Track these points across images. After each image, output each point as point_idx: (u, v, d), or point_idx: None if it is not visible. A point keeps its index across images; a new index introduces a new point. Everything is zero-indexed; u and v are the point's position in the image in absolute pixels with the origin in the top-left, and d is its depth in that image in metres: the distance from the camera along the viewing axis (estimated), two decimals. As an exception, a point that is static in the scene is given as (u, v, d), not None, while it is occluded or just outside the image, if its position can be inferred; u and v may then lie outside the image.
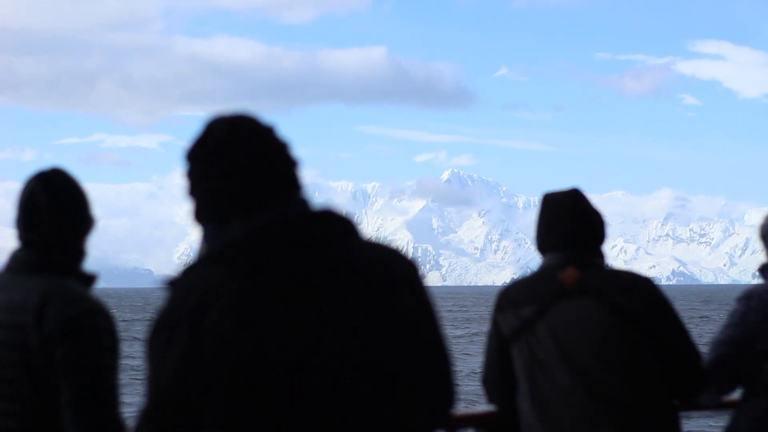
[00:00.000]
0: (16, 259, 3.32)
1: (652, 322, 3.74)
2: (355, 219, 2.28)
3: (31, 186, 3.32)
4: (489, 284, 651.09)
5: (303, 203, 2.26)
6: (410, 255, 2.29)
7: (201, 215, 2.26)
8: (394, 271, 2.24)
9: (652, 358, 3.74)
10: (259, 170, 2.22)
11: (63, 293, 3.19)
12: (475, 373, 34.37)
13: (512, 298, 3.91)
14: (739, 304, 3.97)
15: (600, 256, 3.92)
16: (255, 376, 2.10)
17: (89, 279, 3.34)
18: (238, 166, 2.22)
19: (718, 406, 4.14)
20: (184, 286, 2.18)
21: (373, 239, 2.31)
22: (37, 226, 3.29)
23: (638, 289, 3.77)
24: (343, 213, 2.28)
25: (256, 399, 2.11)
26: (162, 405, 2.15)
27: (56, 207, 3.30)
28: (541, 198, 4.00)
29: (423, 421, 2.25)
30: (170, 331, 2.15)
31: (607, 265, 3.92)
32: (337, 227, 2.25)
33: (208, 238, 2.25)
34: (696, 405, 4.03)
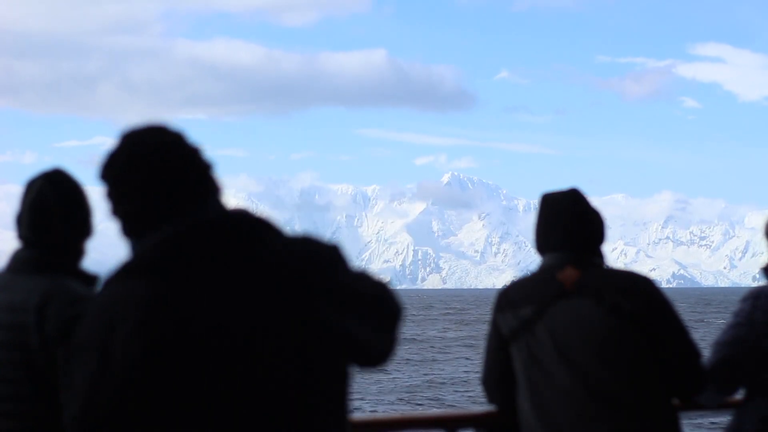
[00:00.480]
0: (17, 259, 3.32)
1: (651, 321, 3.74)
2: (271, 218, 2.27)
3: (38, 186, 3.33)
4: (489, 287, 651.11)
5: (218, 207, 2.26)
6: (334, 242, 2.28)
7: (124, 232, 2.27)
8: (314, 265, 2.20)
9: (651, 358, 3.74)
10: (168, 181, 2.22)
11: (64, 293, 3.21)
12: (461, 380, 34.58)
13: (511, 299, 3.91)
14: (745, 303, 3.95)
15: (599, 256, 3.92)
16: (165, 393, 2.07)
17: (91, 279, 3.35)
18: (147, 180, 2.22)
19: (719, 407, 4.12)
20: (99, 303, 2.19)
21: (292, 234, 2.27)
22: (44, 227, 3.30)
23: (637, 288, 3.78)
24: (256, 213, 2.25)
25: (167, 416, 2.07)
26: (80, 422, 2.14)
27: (66, 208, 3.32)
28: (540, 198, 3.99)
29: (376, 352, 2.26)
30: (83, 352, 2.16)
31: (606, 265, 3.92)
32: (250, 228, 2.22)
33: (130, 252, 2.26)
34: (696, 405, 4.02)
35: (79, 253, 3.35)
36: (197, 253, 2.16)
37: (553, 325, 3.77)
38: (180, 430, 2.08)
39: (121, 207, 2.26)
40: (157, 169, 2.22)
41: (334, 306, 2.18)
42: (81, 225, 3.36)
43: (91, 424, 2.11)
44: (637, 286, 3.79)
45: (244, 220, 2.23)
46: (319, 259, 2.22)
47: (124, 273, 2.19)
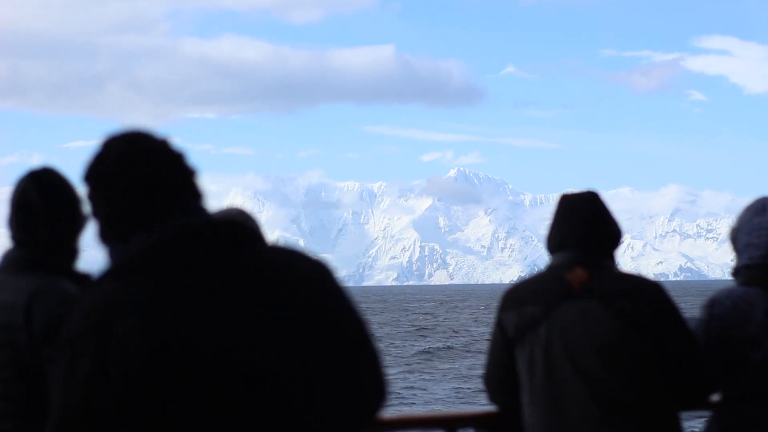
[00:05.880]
0: (8, 258, 3.33)
1: (657, 328, 3.73)
2: (257, 226, 2.34)
3: (22, 185, 3.34)
4: (496, 282, 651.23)
5: (201, 212, 2.27)
6: (320, 258, 2.31)
7: (105, 235, 2.26)
8: (303, 273, 2.23)
9: (656, 363, 3.74)
10: (153, 184, 2.23)
11: (52, 292, 3.22)
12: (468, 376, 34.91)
13: (517, 298, 3.89)
14: (703, 312, 3.97)
15: (610, 258, 3.90)
16: (167, 393, 2.05)
17: (82, 278, 3.34)
18: (132, 182, 2.23)
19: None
20: (88, 304, 2.14)
21: (281, 245, 2.31)
22: (29, 225, 3.30)
23: (645, 294, 3.77)
24: (243, 220, 2.28)
25: (168, 417, 2.05)
26: (73, 425, 2.08)
27: (48, 205, 3.30)
28: (559, 198, 4.01)
29: (350, 423, 2.23)
30: (74, 352, 2.10)
31: (616, 268, 3.90)
32: (239, 234, 2.23)
33: (112, 256, 2.25)
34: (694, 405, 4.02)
35: (71, 251, 3.34)
36: (193, 256, 2.16)
37: (559, 327, 3.76)
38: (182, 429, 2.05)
39: (104, 209, 2.25)
40: (143, 172, 2.23)
41: (333, 313, 2.24)
42: (68, 222, 3.33)
43: (87, 428, 2.06)
44: (646, 291, 3.78)
45: (234, 226, 2.24)
46: (315, 271, 2.26)
47: (116, 274, 2.17)
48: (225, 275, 2.15)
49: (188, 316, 2.08)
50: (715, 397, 4.01)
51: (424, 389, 31.74)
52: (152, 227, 2.20)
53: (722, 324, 3.88)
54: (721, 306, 3.90)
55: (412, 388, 32.06)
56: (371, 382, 2.27)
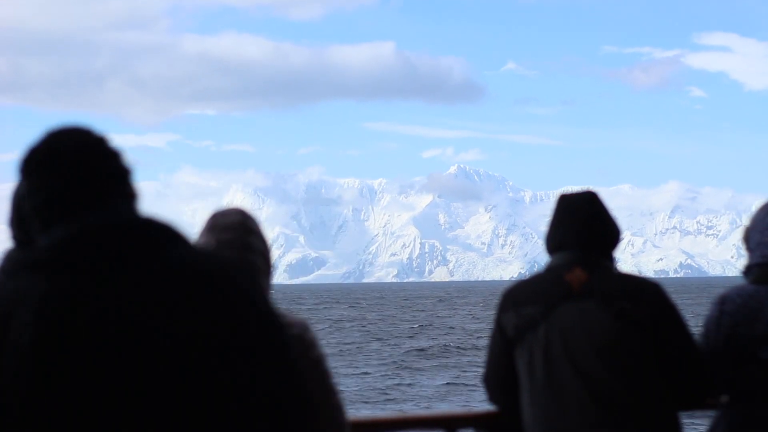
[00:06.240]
0: (9, 258, 3.16)
1: (657, 329, 3.74)
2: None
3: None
4: (497, 279, 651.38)
5: (125, 211, 2.21)
6: (245, 264, 2.24)
7: (33, 229, 2.25)
8: (216, 278, 2.15)
9: (655, 364, 3.74)
10: (77, 180, 2.20)
11: None
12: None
13: (516, 299, 3.89)
14: (714, 309, 3.95)
15: (609, 258, 3.90)
16: (59, 389, 2.00)
17: None
18: (55, 176, 2.21)
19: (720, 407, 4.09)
20: None
21: (204, 250, 2.26)
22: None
23: (645, 295, 3.77)
24: (165, 221, 2.21)
25: (61, 414, 2.00)
26: None
27: None
28: (557, 198, 4.00)
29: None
30: None
31: (616, 268, 3.91)
32: (156, 235, 2.17)
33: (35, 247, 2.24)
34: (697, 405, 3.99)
35: None
36: (101, 252, 2.12)
37: (558, 327, 3.76)
38: (69, 427, 2.00)
39: (30, 201, 2.24)
40: (72, 166, 2.20)
41: (250, 318, 2.15)
42: None
43: None
44: (645, 291, 3.78)
45: (153, 226, 2.18)
46: (235, 275, 2.18)
47: (26, 267, 2.17)
48: (128, 274, 2.09)
49: (84, 314, 2.04)
50: (723, 397, 3.99)
51: (415, 386, 31.61)
52: (70, 222, 2.17)
53: (732, 321, 3.88)
54: (732, 303, 3.90)
55: (402, 385, 31.93)
56: (288, 392, 2.15)
